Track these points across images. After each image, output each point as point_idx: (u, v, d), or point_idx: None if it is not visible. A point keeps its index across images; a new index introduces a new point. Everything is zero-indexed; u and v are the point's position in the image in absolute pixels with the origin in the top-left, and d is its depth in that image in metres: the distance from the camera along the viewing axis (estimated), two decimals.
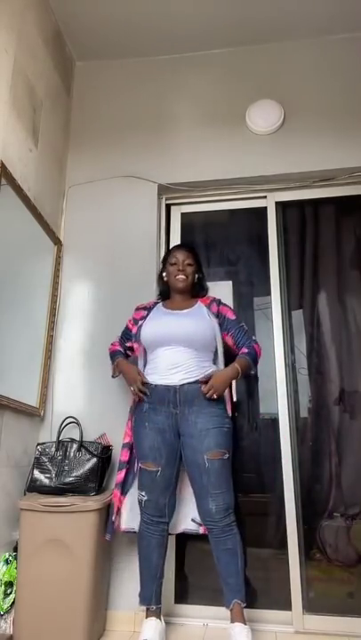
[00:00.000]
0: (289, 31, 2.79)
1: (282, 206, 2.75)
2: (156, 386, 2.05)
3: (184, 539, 2.30)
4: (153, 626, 1.93)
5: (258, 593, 2.26)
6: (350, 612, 2.16)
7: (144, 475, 2.03)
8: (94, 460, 2.17)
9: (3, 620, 1.98)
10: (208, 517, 1.96)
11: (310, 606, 2.19)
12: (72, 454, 2.19)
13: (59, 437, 2.24)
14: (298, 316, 2.61)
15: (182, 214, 2.85)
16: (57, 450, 2.21)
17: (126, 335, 2.30)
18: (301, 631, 2.14)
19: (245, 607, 1.91)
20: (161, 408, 2.04)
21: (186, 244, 2.50)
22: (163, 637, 1.97)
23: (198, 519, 2.05)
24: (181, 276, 2.21)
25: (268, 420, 2.49)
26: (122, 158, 2.80)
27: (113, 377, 2.27)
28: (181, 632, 2.13)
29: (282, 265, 2.64)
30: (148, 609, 1.98)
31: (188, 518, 2.11)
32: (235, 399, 2.43)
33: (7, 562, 2.03)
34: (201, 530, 2.07)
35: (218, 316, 2.17)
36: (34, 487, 2.14)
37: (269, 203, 2.74)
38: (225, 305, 2.24)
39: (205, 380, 2.01)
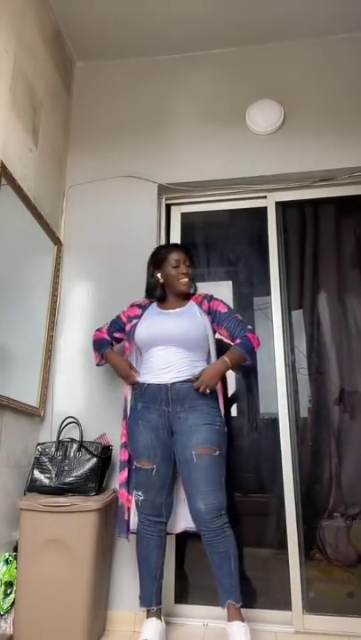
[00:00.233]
0: (289, 31, 2.79)
1: (282, 206, 2.75)
2: (148, 385, 2.06)
3: (184, 538, 2.30)
4: (153, 626, 1.93)
5: (258, 593, 2.26)
6: (350, 612, 2.16)
7: (140, 473, 2.03)
8: (94, 459, 2.17)
9: (3, 619, 1.98)
10: (199, 519, 1.93)
11: (310, 606, 2.19)
12: (72, 454, 2.19)
13: (59, 437, 2.24)
14: (298, 315, 2.61)
15: (182, 214, 2.84)
16: (57, 450, 2.21)
17: (116, 325, 2.29)
18: (301, 631, 2.14)
19: (246, 607, 1.92)
20: (154, 407, 2.03)
21: (180, 245, 2.50)
22: (163, 637, 1.97)
23: None
24: (186, 280, 2.16)
25: (268, 419, 2.49)
26: (122, 158, 2.80)
27: (98, 365, 2.29)
28: (181, 632, 2.13)
29: (282, 265, 2.64)
30: (148, 610, 1.98)
31: (188, 517, 2.08)
32: (229, 395, 2.43)
33: (7, 562, 2.03)
34: None
35: (209, 312, 2.14)
36: (34, 487, 2.14)
37: (269, 203, 2.74)
38: (216, 299, 2.19)
39: (196, 378, 1.99)
